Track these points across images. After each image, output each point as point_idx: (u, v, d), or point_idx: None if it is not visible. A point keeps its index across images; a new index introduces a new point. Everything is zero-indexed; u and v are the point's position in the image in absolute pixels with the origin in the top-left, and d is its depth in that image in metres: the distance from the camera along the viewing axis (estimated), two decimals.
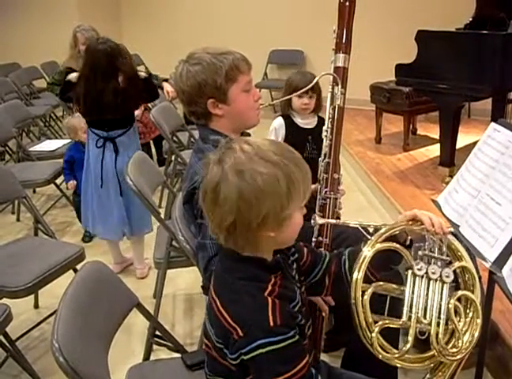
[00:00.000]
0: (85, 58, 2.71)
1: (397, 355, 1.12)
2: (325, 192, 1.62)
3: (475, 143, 1.70)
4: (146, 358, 1.82)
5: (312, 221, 1.24)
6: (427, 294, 1.14)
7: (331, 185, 1.62)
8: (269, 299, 1.04)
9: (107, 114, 2.74)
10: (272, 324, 1.01)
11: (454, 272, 1.18)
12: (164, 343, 1.65)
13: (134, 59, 4.49)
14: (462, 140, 4.21)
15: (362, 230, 1.38)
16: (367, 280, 1.21)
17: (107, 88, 2.66)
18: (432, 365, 1.19)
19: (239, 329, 1.02)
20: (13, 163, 3.99)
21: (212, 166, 1.05)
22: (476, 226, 1.50)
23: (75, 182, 3.25)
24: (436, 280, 1.15)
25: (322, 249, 1.56)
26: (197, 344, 2.21)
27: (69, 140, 4.14)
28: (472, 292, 1.19)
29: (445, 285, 1.15)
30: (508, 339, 2.05)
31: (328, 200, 1.61)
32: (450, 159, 3.79)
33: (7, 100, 4.69)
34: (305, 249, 1.30)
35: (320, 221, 1.15)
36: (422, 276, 1.16)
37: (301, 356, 1.04)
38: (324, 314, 1.57)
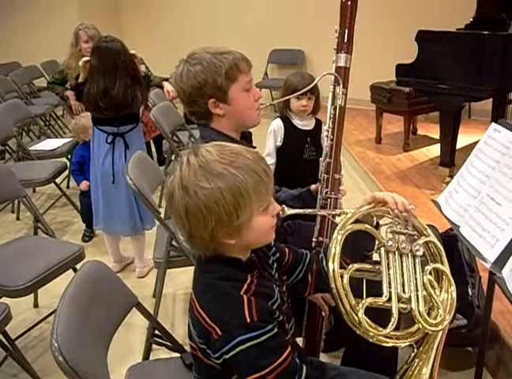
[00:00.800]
0: (100, 57, 2.71)
1: (385, 332, 1.12)
2: (326, 192, 1.62)
3: (475, 143, 1.70)
4: (145, 357, 1.81)
5: (281, 212, 1.25)
6: (402, 269, 1.18)
7: (332, 185, 1.62)
8: (245, 297, 1.05)
9: (123, 109, 2.76)
10: (248, 320, 1.01)
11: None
12: (164, 342, 1.65)
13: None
14: (462, 141, 4.21)
15: (332, 219, 1.39)
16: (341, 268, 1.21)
17: (125, 83, 2.70)
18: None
19: (217, 329, 1.02)
20: (13, 162, 3.98)
21: (169, 177, 1.08)
22: (476, 226, 1.50)
23: (88, 183, 3.22)
24: (408, 255, 1.19)
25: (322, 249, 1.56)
26: None
27: (70, 140, 4.15)
28: (442, 264, 1.23)
29: (416, 259, 1.19)
30: (508, 340, 2.04)
31: (329, 200, 1.62)
32: (451, 159, 3.79)
33: (7, 99, 4.68)
34: (286, 250, 1.31)
35: (289, 212, 1.16)
36: (394, 252, 1.19)
37: (282, 348, 1.04)
38: (324, 314, 1.57)
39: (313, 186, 1.80)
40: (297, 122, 2.47)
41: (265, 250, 1.21)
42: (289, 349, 1.05)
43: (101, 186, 2.88)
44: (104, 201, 2.90)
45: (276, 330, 1.04)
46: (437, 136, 4.12)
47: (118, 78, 2.68)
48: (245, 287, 1.08)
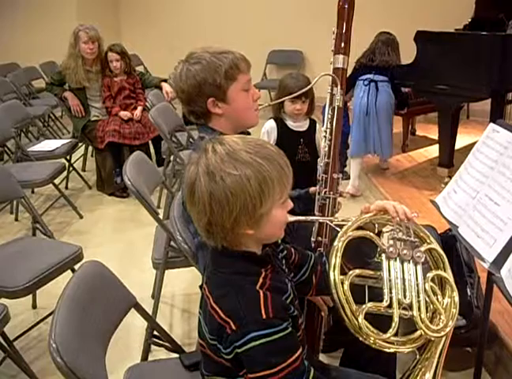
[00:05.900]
0: None
1: (385, 337, 1.12)
2: (325, 192, 1.62)
3: (474, 144, 1.70)
4: (144, 358, 1.81)
5: None
6: (404, 275, 1.17)
7: (330, 185, 1.62)
8: (261, 292, 1.05)
9: None
10: (264, 316, 1.02)
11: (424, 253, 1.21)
12: (162, 343, 1.64)
13: (133, 59, 4.49)
14: (461, 141, 4.22)
15: (333, 226, 1.39)
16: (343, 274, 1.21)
17: None
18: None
19: (232, 323, 1.02)
20: (12, 163, 3.98)
21: (189, 166, 1.08)
22: (474, 226, 1.50)
23: None
24: (409, 261, 1.18)
25: (322, 249, 1.56)
26: (194, 345, 2.20)
27: (69, 141, 4.15)
28: (444, 271, 1.22)
29: (418, 265, 1.18)
30: (507, 340, 2.05)
31: (327, 200, 1.62)
32: (449, 159, 3.79)
33: (6, 100, 4.66)
34: (292, 249, 1.32)
35: (291, 219, 1.17)
36: (395, 258, 1.18)
37: (294, 348, 1.04)
38: (323, 314, 1.57)
39: (312, 188, 1.80)
40: (290, 123, 2.46)
41: (273, 247, 1.22)
42: (301, 350, 1.06)
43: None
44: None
45: (290, 329, 1.04)
46: (436, 137, 4.12)
47: None
48: (260, 281, 1.08)
